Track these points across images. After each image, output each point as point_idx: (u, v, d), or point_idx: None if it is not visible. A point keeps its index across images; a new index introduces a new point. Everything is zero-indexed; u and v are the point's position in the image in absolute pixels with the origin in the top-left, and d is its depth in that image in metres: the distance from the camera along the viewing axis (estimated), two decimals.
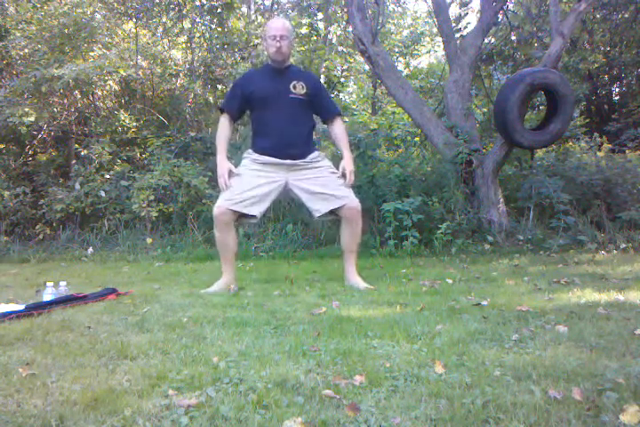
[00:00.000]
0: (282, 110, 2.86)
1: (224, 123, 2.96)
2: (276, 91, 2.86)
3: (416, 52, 11.75)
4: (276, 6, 10.15)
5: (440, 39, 6.30)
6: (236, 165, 2.93)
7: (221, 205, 2.77)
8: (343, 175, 2.90)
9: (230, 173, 2.83)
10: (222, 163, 2.84)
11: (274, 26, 2.84)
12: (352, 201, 2.87)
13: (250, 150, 2.97)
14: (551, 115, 4.76)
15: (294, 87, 2.86)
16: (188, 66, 7.40)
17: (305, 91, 2.87)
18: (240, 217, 2.84)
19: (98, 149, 5.55)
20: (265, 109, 2.89)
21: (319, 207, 2.87)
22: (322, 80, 9.74)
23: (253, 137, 3.01)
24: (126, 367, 1.53)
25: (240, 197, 2.78)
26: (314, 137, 3.11)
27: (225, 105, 3.02)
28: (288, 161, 2.86)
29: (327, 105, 3.04)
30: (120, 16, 7.14)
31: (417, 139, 6.37)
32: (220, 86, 7.53)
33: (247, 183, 2.82)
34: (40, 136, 6.12)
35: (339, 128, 3.02)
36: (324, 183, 2.87)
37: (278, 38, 2.80)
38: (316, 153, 2.94)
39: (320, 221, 4.59)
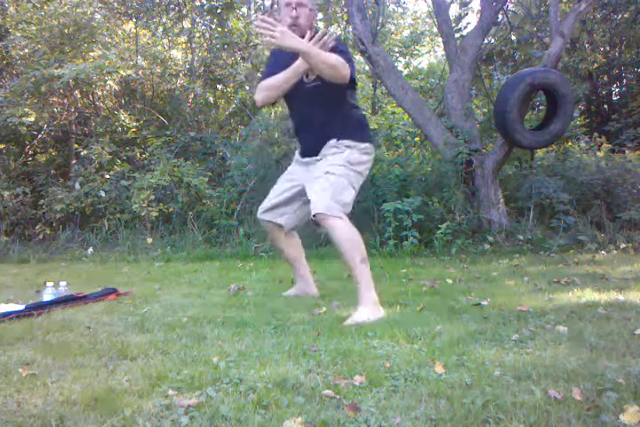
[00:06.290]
0: (301, 106, 2.40)
1: None
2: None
3: (416, 52, 11.74)
4: (276, 6, 10.14)
5: (440, 39, 6.30)
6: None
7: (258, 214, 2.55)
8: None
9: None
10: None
11: None
12: (314, 208, 2.21)
13: None
14: (551, 115, 4.76)
15: (306, 74, 2.26)
16: (187, 66, 7.41)
17: (316, 75, 2.22)
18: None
19: (98, 148, 5.55)
20: (287, 101, 2.46)
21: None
22: None
23: None
24: (126, 367, 1.53)
25: (268, 204, 2.51)
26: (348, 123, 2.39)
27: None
28: (307, 159, 2.45)
29: None
30: (120, 16, 7.14)
31: (417, 139, 6.36)
32: (219, 86, 7.53)
33: (276, 189, 2.53)
34: (40, 136, 6.11)
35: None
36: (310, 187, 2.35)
37: (294, 5, 2.22)
38: (331, 142, 2.35)
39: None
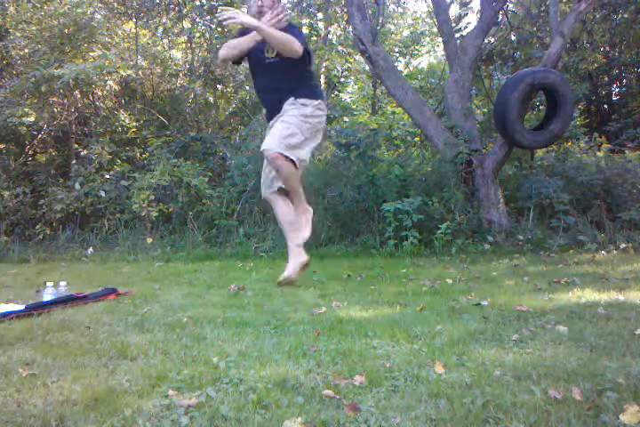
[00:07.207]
0: (263, 77, 2.88)
1: None
2: (256, 56, 2.82)
3: (416, 52, 11.74)
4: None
5: (440, 39, 6.30)
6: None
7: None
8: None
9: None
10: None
11: None
12: (263, 144, 2.74)
13: None
14: (551, 115, 4.76)
15: (267, 51, 2.77)
16: (187, 66, 7.40)
17: (275, 51, 2.73)
18: None
19: (98, 148, 5.54)
20: (251, 73, 2.98)
21: None
22: (322, 80, 9.74)
23: None
24: (126, 367, 1.53)
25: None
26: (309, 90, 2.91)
27: None
28: (272, 121, 2.88)
29: None
30: (120, 16, 7.14)
31: (417, 139, 6.36)
32: (219, 86, 7.53)
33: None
34: (40, 136, 6.11)
35: None
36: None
37: None
38: (290, 99, 2.80)
39: (320, 222, 4.57)
